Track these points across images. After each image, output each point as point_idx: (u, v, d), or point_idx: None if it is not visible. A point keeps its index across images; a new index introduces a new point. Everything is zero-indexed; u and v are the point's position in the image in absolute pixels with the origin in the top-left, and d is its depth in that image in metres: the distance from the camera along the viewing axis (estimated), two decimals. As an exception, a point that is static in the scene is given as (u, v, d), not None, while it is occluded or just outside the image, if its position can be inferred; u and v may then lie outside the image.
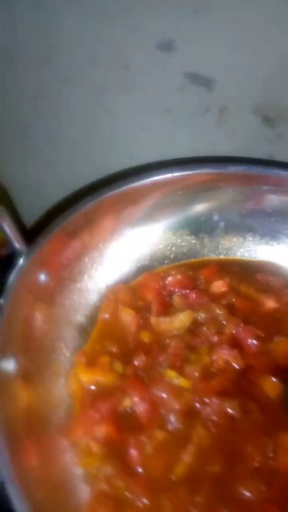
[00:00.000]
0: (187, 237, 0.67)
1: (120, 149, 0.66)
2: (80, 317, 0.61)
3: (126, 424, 0.52)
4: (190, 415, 0.52)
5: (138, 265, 0.66)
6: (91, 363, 0.57)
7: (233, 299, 0.61)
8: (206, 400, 0.53)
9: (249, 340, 0.57)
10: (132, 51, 0.55)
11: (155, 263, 0.67)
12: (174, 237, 0.67)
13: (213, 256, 0.67)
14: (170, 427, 0.52)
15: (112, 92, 0.59)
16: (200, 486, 0.49)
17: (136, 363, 0.56)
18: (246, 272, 0.65)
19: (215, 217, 0.66)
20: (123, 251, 0.65)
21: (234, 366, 0.55)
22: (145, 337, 0.59)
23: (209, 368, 0.55)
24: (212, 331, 0.58)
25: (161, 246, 0.67)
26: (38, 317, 0.55)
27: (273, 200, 0.63)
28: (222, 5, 0.49)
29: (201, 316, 0.59)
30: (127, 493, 0.49)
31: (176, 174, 0.61)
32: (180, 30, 0.53)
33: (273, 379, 0.54)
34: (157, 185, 0.61)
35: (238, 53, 0.54)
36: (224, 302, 0.61)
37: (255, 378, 0.55)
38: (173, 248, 0.67)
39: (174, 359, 0.56)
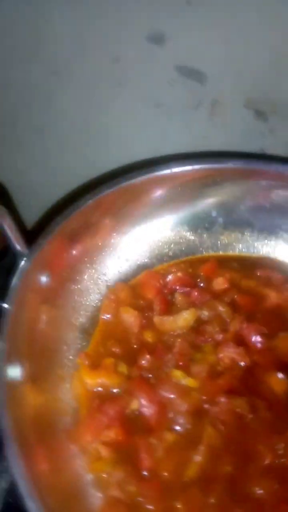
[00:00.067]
0: (186, 234, 0.66)
1: (112, 144, 0.65)
2: (81, 318, 0.60)
3: (134, 427, 0.52)
4: (198, 415, 0.52)
5: (138, 263, 0.65)
6: (95, 365, 0.56)
7: (235, 296, 0.61)
8: (214, 399, 0.52)
9: (254, 337, 0.57)
10: (122, 43, 0.54)
11: (154, 260, 0.66)
12: (172, 234, 0.66)
13: (212, 253, 0.67)
14: (179, 428, 0.51)
15: (102, 86, 0.58)
16: (213, 487, 0.48)
17: (141, 364, 0.55)
18: (246, 268, 0.64)
19: (214, 213, 0.66)
20: (122, 249, 0.64)
21: (240, 364, 0.55)
22: (149, 337, 0.58)
23: (215, 366, 0.55)
24: (216, 329, 0.57)
25: (160, 244, 0.66)
26: (41, 320, 0.54)
27: (272, 195, 0.63)
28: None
29: (204, 314, 0.59)
30: (139, 498, 0.48)
31: (175, 170, 0.60)
32: (171, 23, 0.52)
33: (280, 375, 0.54)
34: (156, 182, 0.61)
35: (230, 47, 0.53)
36: (226, 299, 0.60)
37: (262, 375, 0.55)
38: (172, 245, 0.66)
39: (180, 358, 0.55)
